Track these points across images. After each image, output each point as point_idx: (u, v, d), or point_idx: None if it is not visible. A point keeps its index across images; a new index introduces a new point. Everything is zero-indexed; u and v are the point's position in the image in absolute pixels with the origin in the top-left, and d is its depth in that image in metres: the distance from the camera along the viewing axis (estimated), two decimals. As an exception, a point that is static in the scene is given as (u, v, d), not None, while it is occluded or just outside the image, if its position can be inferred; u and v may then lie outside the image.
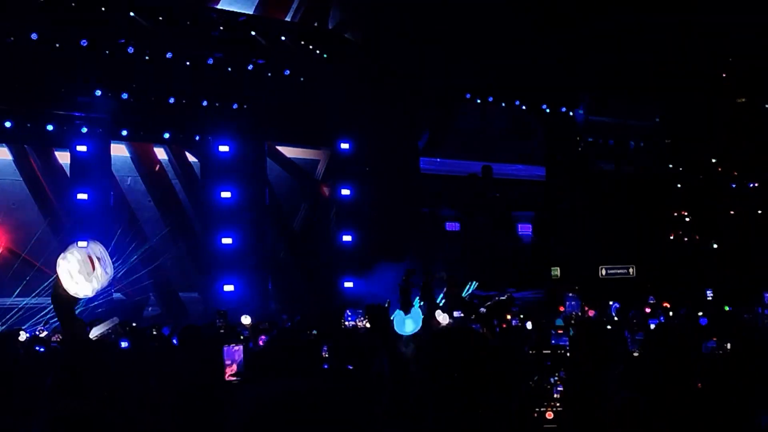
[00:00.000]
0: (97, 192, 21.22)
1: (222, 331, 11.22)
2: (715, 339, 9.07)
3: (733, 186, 31.86)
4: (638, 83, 28.84)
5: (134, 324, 14.93)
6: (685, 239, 31.37)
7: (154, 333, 12.71)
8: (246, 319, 15.93)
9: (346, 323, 12.56)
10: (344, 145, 24.69)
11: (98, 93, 20.91)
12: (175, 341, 11.17)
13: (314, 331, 12.42)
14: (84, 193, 21.01)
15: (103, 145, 21.76)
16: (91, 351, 4.27)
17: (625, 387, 6.79)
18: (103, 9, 20.29)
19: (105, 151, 21.84)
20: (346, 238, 24.46)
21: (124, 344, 9.20)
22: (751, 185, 31.94)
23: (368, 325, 13.09)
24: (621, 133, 30.57)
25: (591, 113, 29.57)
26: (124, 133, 22.17)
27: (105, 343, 7.88)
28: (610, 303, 22.14)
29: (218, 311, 13.31)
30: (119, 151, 22.83)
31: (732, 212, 31.40)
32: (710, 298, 23.29)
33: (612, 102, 30.05)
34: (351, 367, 8.20)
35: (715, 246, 31.13)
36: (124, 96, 21.29)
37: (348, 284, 23.86)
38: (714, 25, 29.36)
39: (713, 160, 31.90)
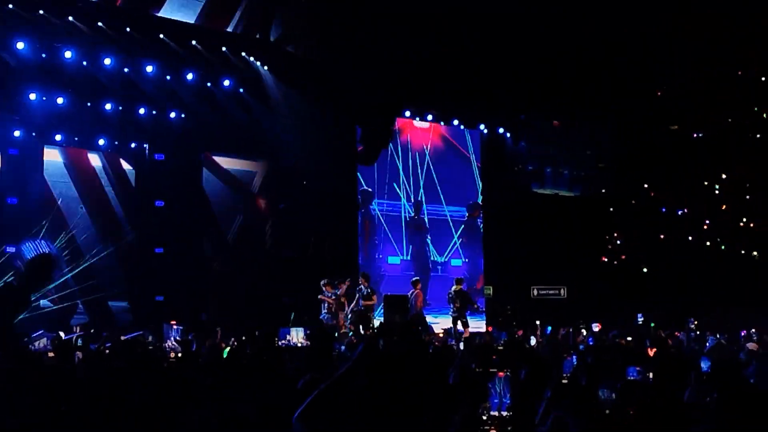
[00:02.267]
0: (28, 196, 20.88)
1: (151, 348, 11.04)
2: (638, 369, 9.23)
3: (663, 210, 32.43)
4: (572, 110, 29.30)
5: (62, 335, 14.64)
6: (616, 262, 31.82)
7: (80, 344, 12.49)
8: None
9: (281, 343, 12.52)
10: (282, 158, 24.60)
11: (33, 96, 20.57)
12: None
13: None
14: (14, 197, 20.67)
15: (36, 150, 21.44)
16: (29, 364, 4.18)
17: (555, 409, 6.87)
18: (41, 12, 19.95)
19: (38, 156, 21.51)
20: (281, 251, 24.34)
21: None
22: (681, 212, 32.56)
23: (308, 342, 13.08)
24: (557, 159, 30.93)
25: (530, 141, 29.95)
26: (58, 138, 21.86)
27: (33, 355, 7.73)
28: (537, 322, 22.38)
29: (148, 327, 13.08)
30: (52, 156, 22.49)
31: (662, 237, 31.95)
32: (640, 322, 23.67)
33: (547, 129, 30.44)
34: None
35: (645, 270, 31.64)
36: (60, 100, 20.98)
37: (281, 297, 23.73)
38: (648, 54, 29.98)
39: (645, 186, 32.43)
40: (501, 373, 7.31)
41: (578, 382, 10.64)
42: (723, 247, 32.02)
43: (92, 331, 18.33)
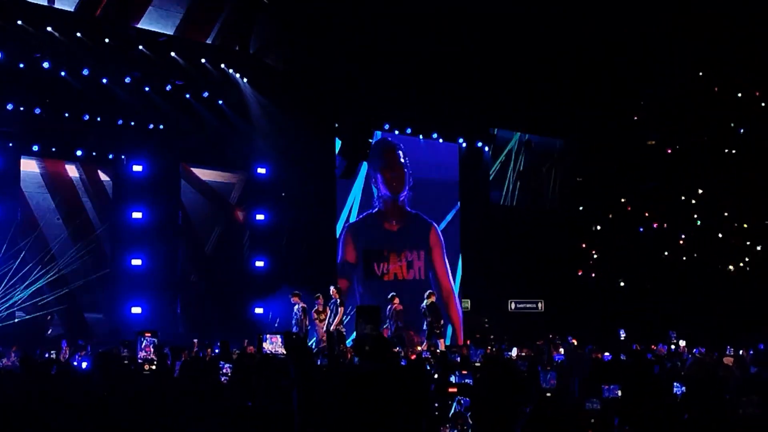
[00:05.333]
0: (4, 208, 20.73)
1: (126, 361, 10.98)
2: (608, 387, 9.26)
3: (640, 225, 32.61)
4: (550, 123, 29.47)
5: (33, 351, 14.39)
6: (594, 275, 31.95)
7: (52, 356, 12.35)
8: None
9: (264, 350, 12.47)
10: (260, 170, 24.56)
11: (10, 107, 20.46)
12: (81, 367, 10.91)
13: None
14: (-10, 208, 20.54)
15: (13, 160, 21.29)
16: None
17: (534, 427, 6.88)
18: (19, 22, 19.86)
19: (14, 166, 21.36)
20: (259, 263, 24.28)
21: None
22: (657, 226, 32.74)
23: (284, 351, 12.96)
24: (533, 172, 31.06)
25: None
26: (36, 148, 21.72)
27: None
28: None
29: (123, 341, 12.99)
30: (29, 166, 22.34)
31: (638, 251, 32.10)
32: (623, 338, 23.60)
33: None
34: (250, 404, 8.10)
35: (622, 284, 31.79)
36: (37, 111, 20.87)
37: (258, 310, 23.66)
38: (628, 68, 30.24)
39: (622, 200, 32.61)
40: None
41: (564, 398, 10.68)
42: (699, 262, 32.22)
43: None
